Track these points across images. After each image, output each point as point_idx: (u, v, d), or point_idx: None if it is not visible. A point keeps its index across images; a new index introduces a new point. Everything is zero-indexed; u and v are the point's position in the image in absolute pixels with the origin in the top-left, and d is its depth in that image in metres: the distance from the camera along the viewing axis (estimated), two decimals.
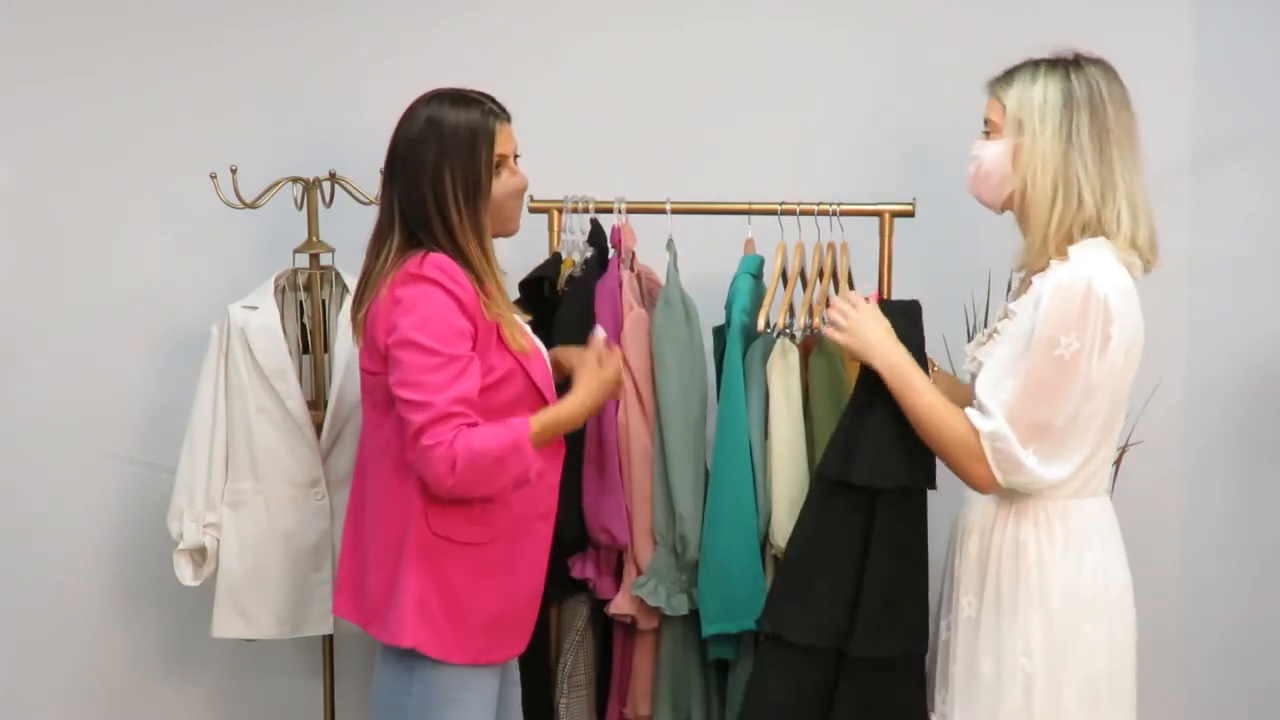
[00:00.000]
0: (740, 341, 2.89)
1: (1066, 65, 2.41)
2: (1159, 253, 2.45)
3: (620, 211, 3.01)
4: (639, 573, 2.93)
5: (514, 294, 2.82)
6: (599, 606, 3.01)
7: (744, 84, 3.42)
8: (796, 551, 2.65)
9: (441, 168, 2.50)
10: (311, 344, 3.25)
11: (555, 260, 3.02)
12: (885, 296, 2.93)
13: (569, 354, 2.75)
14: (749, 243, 3.04)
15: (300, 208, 3.24)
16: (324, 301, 3.25)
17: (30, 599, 3.55)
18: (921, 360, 2.60)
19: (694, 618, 2.92)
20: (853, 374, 2.71)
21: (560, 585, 2.92)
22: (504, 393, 2.53)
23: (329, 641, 3.36)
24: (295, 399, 3.14)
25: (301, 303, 3.26)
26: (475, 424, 2.43)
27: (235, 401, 3.14)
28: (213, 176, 3.18)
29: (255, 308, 3.15)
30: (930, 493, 2.63)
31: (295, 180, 3.23)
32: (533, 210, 2.83)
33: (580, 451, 2.91)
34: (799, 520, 2.67)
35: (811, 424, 2.90)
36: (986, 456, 2.37)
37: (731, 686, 2.95)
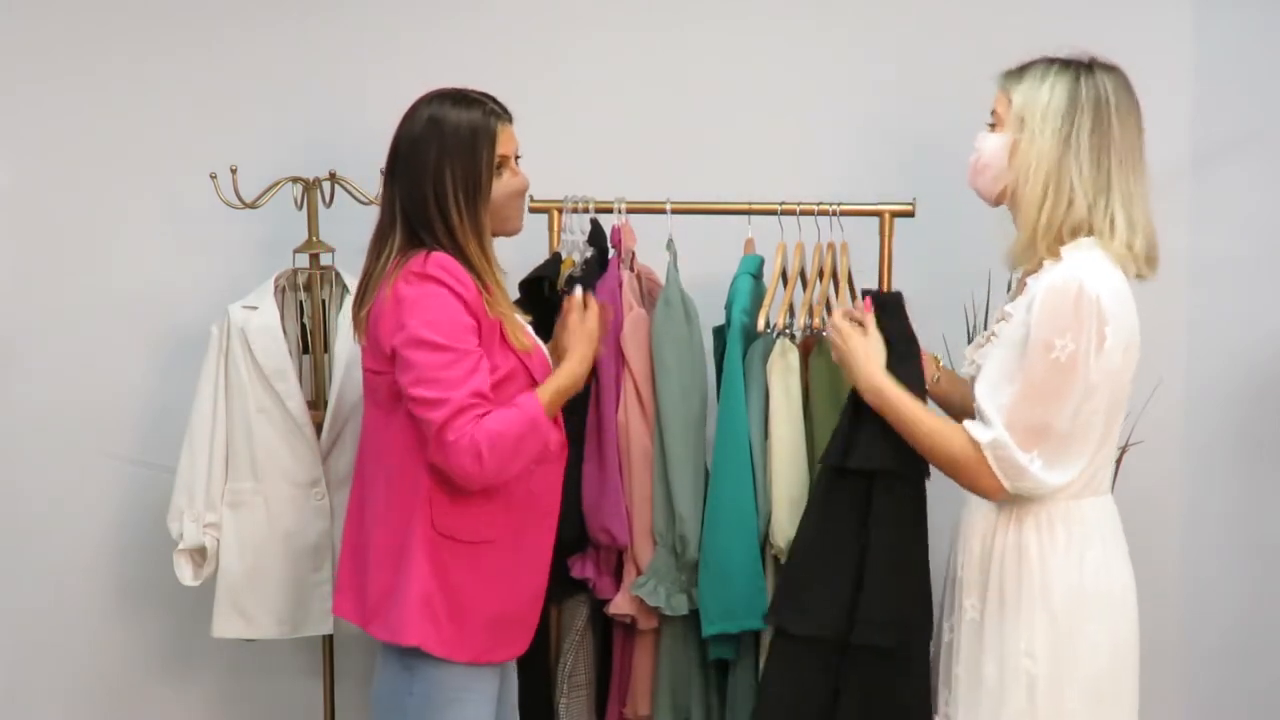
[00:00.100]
0: (740, 341, 2.89)
1: (1079, 68, 2.41)
2: (1157, 265, 2.44)
3: (620, 211, 3.01)
4: (639, 573, 2.93)
5: (514, 293, 2.82)
6: (599, 606, 3.01)
7: (744, 84, 3.42)
8: (798, 544, 2.67)
9: (443, 167, 2.50)
10: (311, 344, 3.25)
11: (555, 260, 3.02)
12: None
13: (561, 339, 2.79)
14: (749, 243, 3.04)
15: (300, 208, 3.24)
16: (324, 301, 3.25)
17: (30, 599, 3.55)
18: (912, 349, 2.61)
19: (694, 618, 2.92)
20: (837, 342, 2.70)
21: (560, 585, 2.91)
22: (507, 391, 2.54)
23: (329, 641, 3.36)
24: (295, 399, 3.14)
25: (301, 303, 3.26)
26: (489, 413, 2.46)
27: (235, 401, 3.14)
28: (213, 176, 3.18)
29: (255, 308, 3.15)
30: (931, 495, 2.63)
31: (295, 180, 3.23)
32: (533, 210, 2.83)
33: (580, 451, 2.91)
34: (803, 515, 2.68)
35: (811, 424, 2.90)
36: (991, 466, 2.38)
37: (731, 686, 2.95)
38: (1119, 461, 3.07)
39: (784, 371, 2.86)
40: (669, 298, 2.92)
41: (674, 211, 3.00)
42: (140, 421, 3.51)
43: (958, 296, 3.24)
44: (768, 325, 2.88)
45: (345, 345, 3.15)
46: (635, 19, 3.44)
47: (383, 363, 2.53)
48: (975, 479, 2.41)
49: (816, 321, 2.91)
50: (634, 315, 2.93)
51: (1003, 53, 2.52)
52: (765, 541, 2.88)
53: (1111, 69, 2.43)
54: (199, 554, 3.17)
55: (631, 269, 3.00)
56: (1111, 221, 2.38)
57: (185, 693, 3.60)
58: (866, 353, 2.55)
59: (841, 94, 3.41)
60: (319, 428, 3.17)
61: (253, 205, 3.21)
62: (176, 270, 3.46)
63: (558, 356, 2.74)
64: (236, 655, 3.49)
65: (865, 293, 2.72)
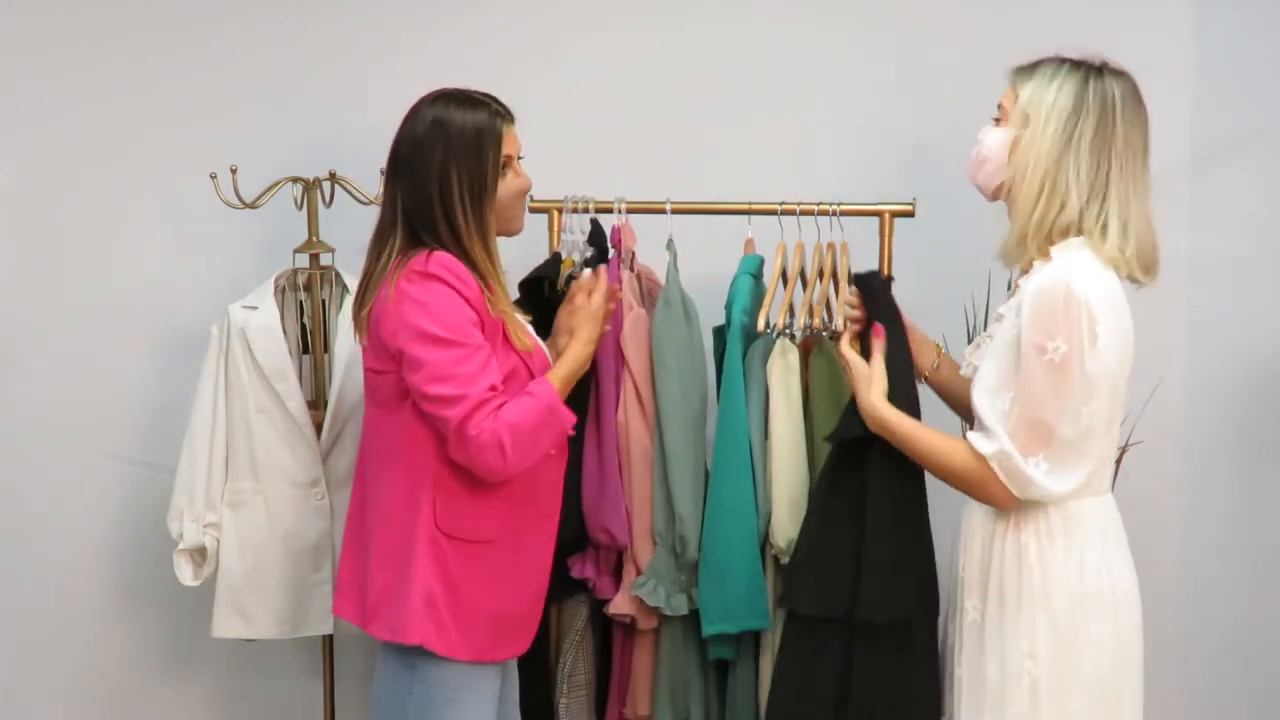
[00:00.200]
0: (740, 341, 2.89)
1: (1089, 70, 2.41)
2: (1156, 272, 2.44)
3: (620, 211, 3.01)
4: (638, 573, 2.93)
5: (513, 293, 2.82)
6: (599, 606, 3.01)
7: (744, 84, 3.42)
8: (805, 526, 2.69)
9: (448, 168, 2.51)
10: (311, 344, 3.25)
11: (555, 260, 3.02)
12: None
13: (560, 329, 2.80)
14: (749, 243, 3.04)
15: (300, 208, 3.24)
16: (324, 301, 3.25)
17: (30, 599, 3.54)
18: (897, 329, 2.62)
19: (694, 618, 2.92)
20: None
21: (560, 585, 2.91)
22: (509, 390, 2.54)
23: (329, 641, 3.36)
24: (295, 399, 3.14)
25: (301, 303, 3.26)
26: (504, 404, 2.48)
27: (235, 401, 3.14)
28: (213, 176, 3.18)
29: (255, 308, 3.15)
30: (932, 495, 2.63)
31: (295, 180, 3.23)
32: (533, 210, 2.83)
33: (580, 451, 2.91)
34: (810, 498, 2.70)
35: (811, 424, 2.90)
36: (999, 477, 2.38)
37: (731, 686, 2.95)
38: (1119, 461, 3.07)
39: (784, 371, 2.86)
40: (669, 298, 2.92)
41: (674, 211, 3.00)
42: (140, 421, 3.51)
43: (958, 296, 3.24)
44: (768, 325, 2.88)
45: (345, 345, 3.15)
46: (635, 19, 3.44)
47: (385, 362, 2.53)
48: (983, 491, 2.42)
49: (816, 321, 2.91)
50: (634, 315, 2.93)
51: (1003, 53, 2.52)
52: (765, 541, 2.88)
53: (1121, 74, 2.43)
54: (199, 554, 3.17)
55: (631, 269, 3.00)
56: (1104, 226, 2.38)
57: (185, 693, 3.60)
58: (869, 382, 2.56)
59: (841, 94, 3.41)
60: (319, 428, 3.17)
61: (253, 205, 3.21)
62: (176, 270, 3.46)
63: (557, 351, 2.74)
64: (236, 655, 3.49)
65: (854, 280, 2.73)
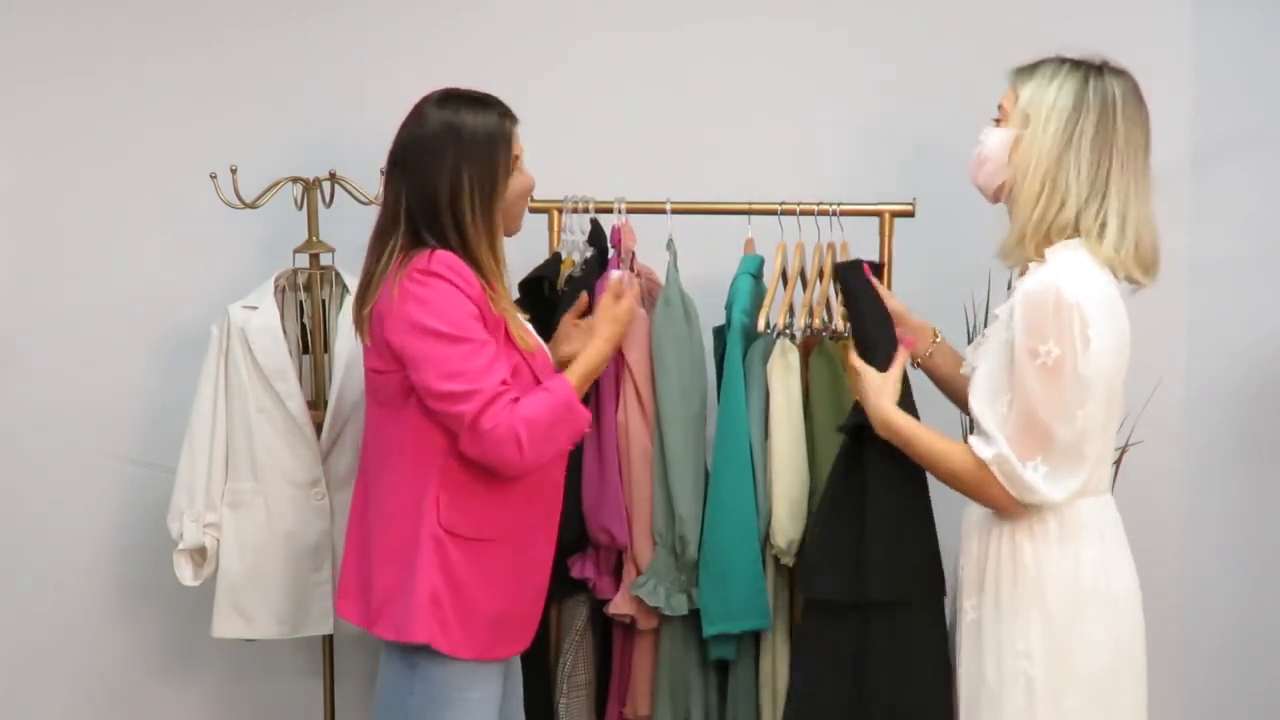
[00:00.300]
0: (740, 342, 2.89)
1: (1089, 70, 2.41)
2: (1155, 272, 2.44)
3: (620, 211, 3.01)
4: (638, 573, 2.93)
5: (513, 294, 2.82)
6: (599, 606, 3.01)
7: (744, 84, 3.42)
8: (818, 512, 2.69)
9: (461, 170, 2.51)
10: (311, 344, 3.25)
11: (555, 260, 3.02)
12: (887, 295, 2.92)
13: (563, 335, 2.81)
14: (749, 243, 3.04)
15: (300, 208, 3.24)
16: (324, 301, 3.25)
17: (30, 599, 3.54)
18: (879, 314, 2.64)
19: (694, 618, 2.92)
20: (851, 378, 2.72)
21: (560, 585, 2.91)
22: (514, 389, 2.54)
23: (329, 641, 3.35)
24: (295, 399, 3.14)
25: (301, 303, 3.26)
26: (518, 398, 2.49)
27: (235, 401, 3.14)
28: (213, 176, 3.18)
29: (255, 308, 3.15)
30: (935, 496, 2.63)
31: (295, 180, 3.23)
32: (533, 210, 2.83)
33: (580, 452, 2.91)
34: (825, 484, 2.71)
35: (812, 424, 2.90)
36: (999, 481, 2.38)
37: (731, 686, 2.95)
38: (1119, 462, 3.08)
39: (784, 372, 2.87)
40: (669, 298, 2.92)
41: (674, 211, 3.00)
42: (140, 421, 3.51)
43: (958, 296, 3.24)
44: (768, 325, 2.88)
45: (345, 345, 3.15)
46: (635, 19, 3.44)
47: (387, 362, 2.53)
48: (984, 494, 2.42)
49: (817, 322, 2.91)
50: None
51: (1003, 53, 2.52)
52: (765, 541, 2.89)
53: (1122, 73, 2.42)
54: (199, 554, 3.17)
55: (631, 269, 3.00)
56: (1102, 225, 2.38)
57: (185, 693, 3.60)
58: (879, 391, 2.56)
59: (841, 94, 3.41)
60: (319, 428, 3.17)
61: (253, 205, 3.21)
62: (176, 270, 3.46)
63: (558, 356, 2.74)
64: (236, 655, 3.49)
65: (834, 273, 2.76)
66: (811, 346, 2.93)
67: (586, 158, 3.23)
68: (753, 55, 3.42)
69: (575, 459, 2.86)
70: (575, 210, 3.03)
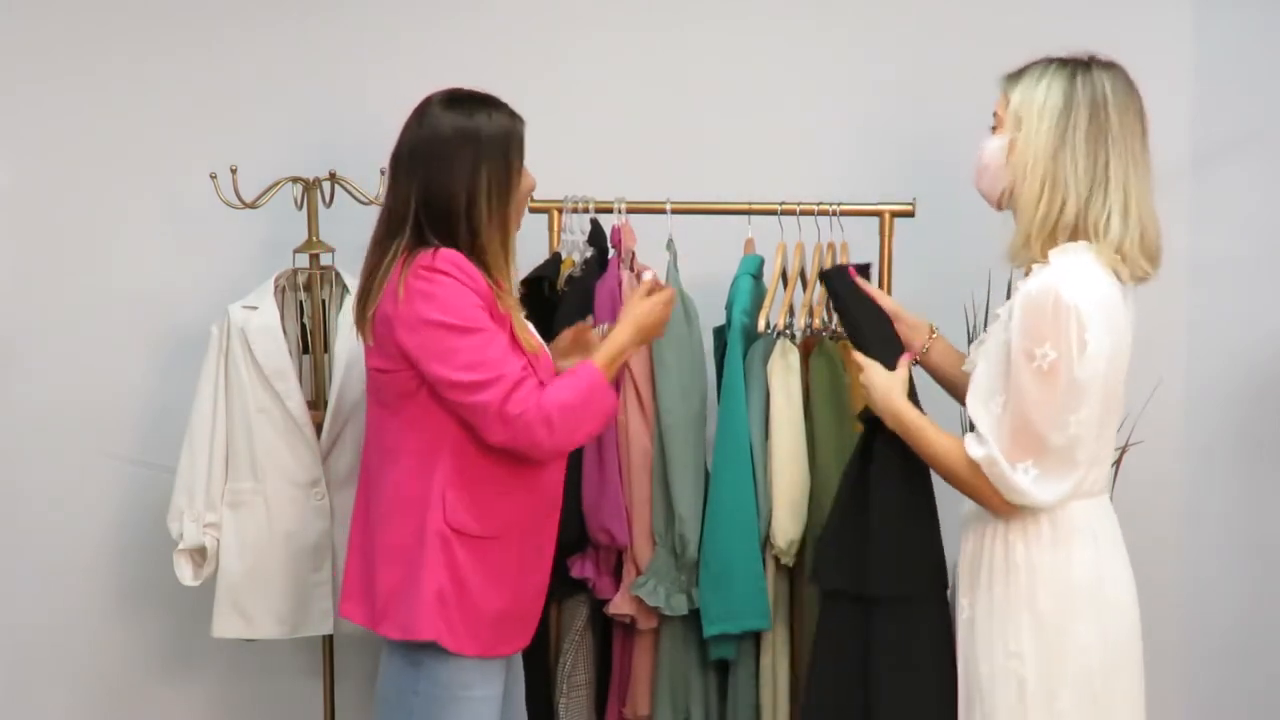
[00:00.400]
0: (740, 342, 2.89)
1: (1075, 67, 2.41)
2: (1158, 262, 2.43)
3: (620, 211, 3.01)
4: (638, 573, 2.93)
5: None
6: (598, 606, 3.01)
7: (744, 84, 3.42)
8: (832, 506, 2.69)
9: (480, 170, 2.52)
10: (311, 344, 3.25)
11: (555, 260, 3.02)
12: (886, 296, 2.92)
13: (559, 350, 2.80)
14: (749, 243, 3.04)
15: (300, 208, 3.24)
16: (324, 301, 3.25)
17: (30, 599, 3.54)
18: (872, 313, 2.65)
19: (694, 618, 2.92)
20: (854, 372, 2.72)
21: (560, 585, 2.91)
22: None
23: (329, 641, 3.35)
24: (295, 399, 3.14)
25: (301, 303, 3.26)
26: (542, 383, 2.49)
27: (235, 401, 3.14)
28: (213, 176, 3.18)
29: (255, 308, 3.15)
30: (939, 492, 2.62)
31: (295, 180, 3.23)
32: (533, 210, 2.83)
33: (580, 452, 2.91)
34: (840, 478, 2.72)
35: (812, 424, 2.90)
36: (989, 481, 2.38)
37: (731, 686, 2.95)
38: (1118, 462, 3.08)
39: (784, 372, 2.87)
40: None
41: (674, 211, 3.01)
42: (140, 421, 3.51)
43: (958, 296, 3.24)
44: (768, 326, 2.88)
45: (345, 345, 3.15)
46: (635, 19, 3.44)
47: (389, 362, 2.53)
48: (976, 493, 2.43)
49: (817, 322, 2.91)
50: None
51: (1003, 53, 2.52)
52: (765, 541, 2.89)
53: (1110, 65, 2.42)
54: (199, 554, 3.17)
55: (631, 269, 3.00)
56: (1107, 218, 2.37)
57: (185, 693, 3.60)
58: (888, 384, 2.56)
59: (841, 94, 3.41)
60: (319, 428, 3.17)
61: (253, 205, 3.21)
62: (176, 270, 3.46)
63: (559, 351, 2.75)
64: (236, 655, 3.49)
65: (820, 276, 2.76)
66: (811, 346, 2.93)
67: (586, 158, 3.23)
68: (753, 55, 3.42)
69: (575, 459, 2.86)
70: (575, 210, 3.03)
